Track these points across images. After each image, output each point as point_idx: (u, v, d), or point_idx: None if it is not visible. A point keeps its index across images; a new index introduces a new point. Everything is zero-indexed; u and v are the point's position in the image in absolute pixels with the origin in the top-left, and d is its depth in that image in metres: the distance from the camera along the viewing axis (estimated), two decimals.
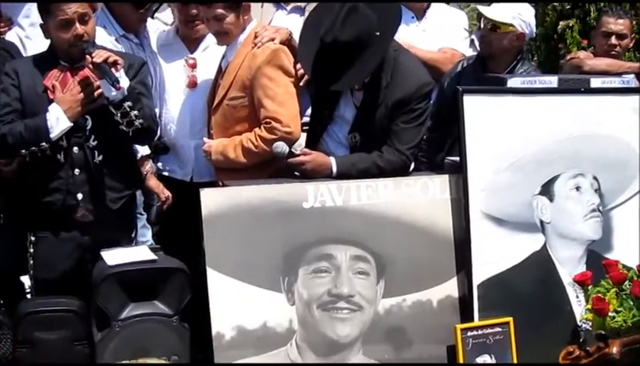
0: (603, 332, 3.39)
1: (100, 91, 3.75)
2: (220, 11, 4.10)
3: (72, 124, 3.77)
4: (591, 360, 3.37)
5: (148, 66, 4.34)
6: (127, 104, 3.73)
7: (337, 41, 3.83)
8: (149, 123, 3.85)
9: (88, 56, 3.71)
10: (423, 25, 5.00)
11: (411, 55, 4.19)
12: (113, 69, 3.69)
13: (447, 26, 5.05)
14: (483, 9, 4.70)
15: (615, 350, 3.32)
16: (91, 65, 3.71)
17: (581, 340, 3.66)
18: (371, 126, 3.98)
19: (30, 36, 4.49)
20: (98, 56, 3.69)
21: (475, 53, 4.85)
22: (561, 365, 3.45)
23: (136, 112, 3.74)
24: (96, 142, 3.84)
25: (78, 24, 3.75)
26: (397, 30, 4.07)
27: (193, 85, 4.52)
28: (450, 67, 4.80)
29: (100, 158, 3.84)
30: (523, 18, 4.55)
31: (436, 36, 4.95)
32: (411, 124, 3.96)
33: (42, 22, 3.86)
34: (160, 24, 4.79)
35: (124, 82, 3.73)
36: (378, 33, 3.88)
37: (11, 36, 4.49)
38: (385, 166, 3.94)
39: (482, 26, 4.70)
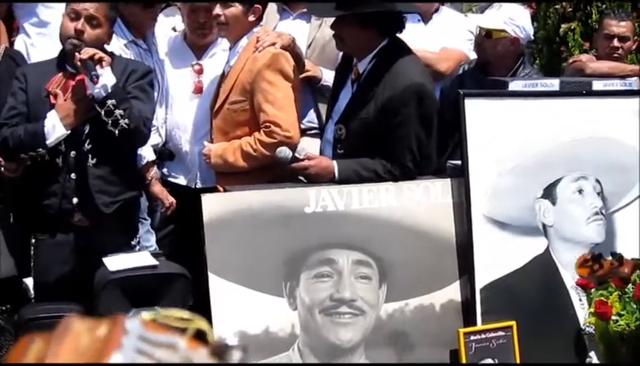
0: (619, 252, 3.51)
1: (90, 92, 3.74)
2: None
3: (67, 132, 3.77)
4: (604, 272, 3.45)
5: (156, 74, 4.35)
6: (111, 101, 3.70)
7: None
8: (136, 124, 3.77)
9: (76, 54, 3.71)
10: (428, 28, 4.93)
11: (415, 56, 4.05)
12: (97, 66, 3.68)
13: (452, 29, 5.00)
14: (473, 17, 4.67)
15: (627, 270, 3.43)
16: (78, 63, 3.71)
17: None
18: (356, 119, 3.87)
19: (35, 44, 4.50)
20: (85, 53, 3.69)
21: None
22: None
23: (120, 111, 3.70)
24: (90, 145, 3.83)
25: (83, 21, 3.78)
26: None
27: (198, 90, 4.50)
28: (446, 64, 4.77)
29: (94, 161, 3.84)
30: (515, 23, 4.48)
31: (439, 38, 4.88)
32: (410, 135, 3.80)
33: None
34: (168, 30, 4.78)
35: (107, 79, 3.70)
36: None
37: (17, 42, 4.51)
38: (387, 176, 3.84)
39: (477, 33, 4.68)
